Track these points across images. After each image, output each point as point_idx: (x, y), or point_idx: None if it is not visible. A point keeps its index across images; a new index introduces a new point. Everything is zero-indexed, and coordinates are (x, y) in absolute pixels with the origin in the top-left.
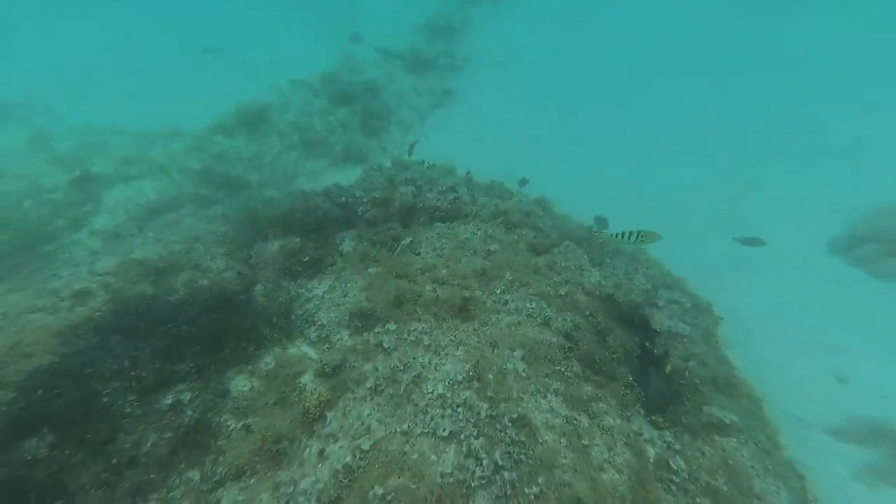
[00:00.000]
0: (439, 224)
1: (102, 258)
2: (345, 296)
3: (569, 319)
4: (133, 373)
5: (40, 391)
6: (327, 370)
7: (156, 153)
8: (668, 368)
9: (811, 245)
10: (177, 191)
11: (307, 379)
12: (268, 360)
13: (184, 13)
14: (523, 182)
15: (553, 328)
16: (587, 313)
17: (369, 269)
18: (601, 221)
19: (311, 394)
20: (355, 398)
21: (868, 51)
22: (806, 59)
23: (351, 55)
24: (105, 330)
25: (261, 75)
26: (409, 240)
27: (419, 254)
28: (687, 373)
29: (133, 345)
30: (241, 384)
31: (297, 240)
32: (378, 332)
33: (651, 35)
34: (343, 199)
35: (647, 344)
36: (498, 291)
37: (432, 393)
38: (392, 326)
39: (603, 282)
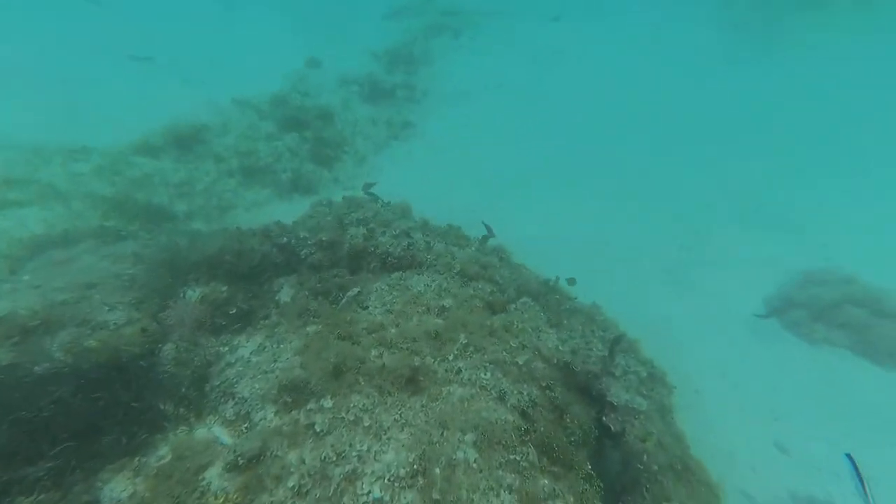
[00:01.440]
0: (394, 273)
1: None
2: (275, 360)
3: (525, 393)
4: None
5: None
6: (241, 462)
7: (50, 174)
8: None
9: (750, 304)
10: (74, 223)
11: (213, 474)
12: (162, 452)
13: (119, 18)
14: (486, 237)
15: (508, 404)
16: (544, 385)
17: (308, 328)
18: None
19: (216, 498)
20: (272, 503)
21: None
22: (766, 121)
23: (304, 77)
24: None
25: (198, 84)
26: (356, 290)
27: (367, 308)
28: (645, 456)
29: None
30: (118, 489)
31: (225, 288)
32: (311, 410)
33: (616, 77)
34: (285, 239)
35: (603, 419)
36: (451, 358)
37: (368, 495)
38: (328, 403)
39: (560, 347)
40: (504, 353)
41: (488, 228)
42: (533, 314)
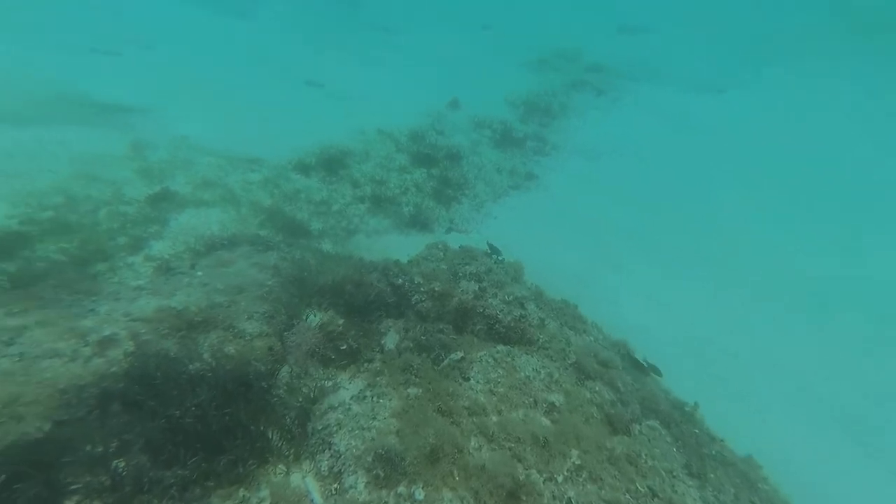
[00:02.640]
0: (500, 346)
1: (143, 297)
2: (374, 417)
3: None
4: (113, 465)
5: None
6: None
7: (233, 180)
8: None
9: None
10: (239, 227)
11: None
12: (263, 494)
13: (296, 46)
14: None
15: None
16: None
17: (409, 389)
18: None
19: None
20: None
21: None
22: None
23: (442, 116)
24: (110, 396)
25: (355, 114)
26: (460, 355)
27: (469, 379)
28: None
29: (131, 424)
30: None
31: (341, 321)
32: (401, 496)
33: (782, 159)
34: (400, 280)
35: None
36: (560, 479)
37: None
38: (419, 493)
39: None
40: (627, 496)
41: (653, 367)
42: (665, 449)
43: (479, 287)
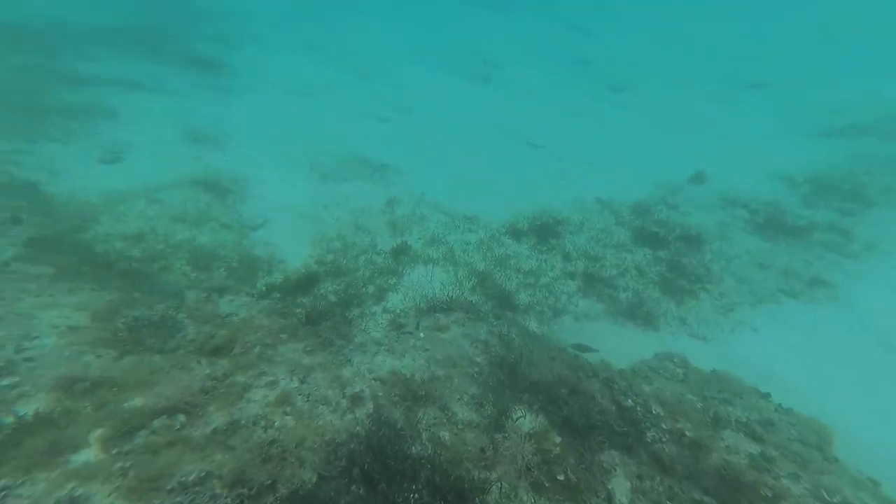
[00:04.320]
0: None
1: (381, 353)
2: None
3: None
4: None
5: None
6: None
7: (454, 240)
8: None
9: None
10: (455, 290)
11: None
12: None
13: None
14: None
15: None
16: None
17: None
18: None
19: None
20: None
21: None
22: None
23: (678, 189)
24: (354, 459)
25: (573, 178)
26: None
27: None
28: None
29: (366, 502)
30: None
31: (558, 440)
32: None
33: None
34: (630, 402)
35: None
36: None
37: None
38: None
39: None
40: None
41: None
42: None
43: (761, 452)
